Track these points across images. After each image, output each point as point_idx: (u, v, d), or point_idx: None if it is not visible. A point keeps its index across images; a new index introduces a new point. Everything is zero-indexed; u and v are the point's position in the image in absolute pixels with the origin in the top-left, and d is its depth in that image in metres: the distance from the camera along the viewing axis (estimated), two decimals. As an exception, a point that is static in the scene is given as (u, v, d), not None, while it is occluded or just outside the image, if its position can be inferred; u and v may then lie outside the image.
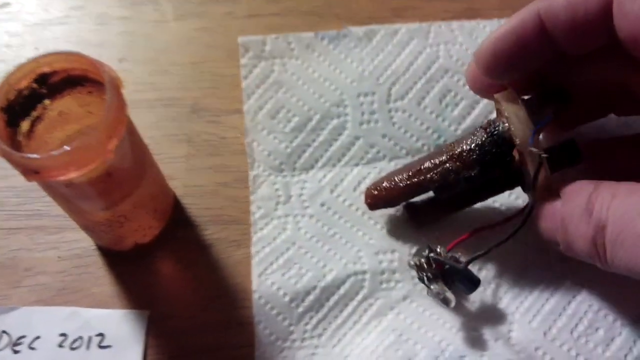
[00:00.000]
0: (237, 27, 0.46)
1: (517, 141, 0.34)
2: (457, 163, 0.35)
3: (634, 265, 0.29)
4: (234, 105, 0.43)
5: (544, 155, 0.32)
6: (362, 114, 0.42)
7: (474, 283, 0.36)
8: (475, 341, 0.36)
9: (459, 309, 0.37)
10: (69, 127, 0.35)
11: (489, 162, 0.35)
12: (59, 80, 0.32)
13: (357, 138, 0.41)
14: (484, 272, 0.38)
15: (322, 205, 0.40)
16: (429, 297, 0.38)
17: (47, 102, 0.33)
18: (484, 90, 0.37)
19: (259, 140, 0.41)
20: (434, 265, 0.36)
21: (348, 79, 0.42)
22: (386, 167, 0.40)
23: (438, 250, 0.36)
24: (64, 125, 0.35)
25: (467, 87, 0.41)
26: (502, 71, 0.34)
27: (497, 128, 0.35)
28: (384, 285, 0.38)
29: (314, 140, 0.41)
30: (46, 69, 0.32)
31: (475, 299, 0.37)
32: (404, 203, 0.39)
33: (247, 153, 0.41)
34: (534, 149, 0.32)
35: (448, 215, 0.39)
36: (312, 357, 0.37)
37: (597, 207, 0.29)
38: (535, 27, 0.32)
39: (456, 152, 0.36)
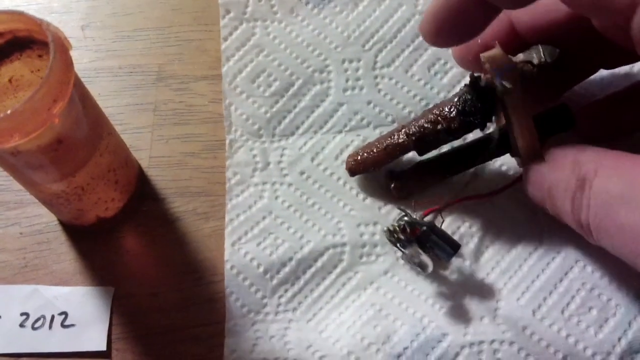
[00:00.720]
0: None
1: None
2: (437, 117, 0.34)
3: (620, 253, 0.28)
4: (202, 72, 0.41)
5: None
6: (347, 80, 0.40)
7: (452, 247, 0.34)
8: (459, 318, 0.34)
9: (443, 284, 0.35)
10: (22, 95, 0.33)
11: (468, 112, 0.33)
12: (5, 43, 0.31)
13: (340, 105, 0.39)
14: (471, 245, 0.36)
15: (302, 173, 0.38)
16: (412, 272, 0.35)
17: None
18: (472, 63, 0.35)
19: (237, 103, 0.39)
20: (408, 230, 0.34)
21: (332, 45, 0.40)
22: (370, 134, 0.38)
23: (414, 216, 0.34)
24: (15, 92, 0.33)
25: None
26: (452, 41, 0.32)
27: (479, 80, 0.33)
28: (364, 259, 0.36)
29: (295, 106, 0.39)
30: None
31: (460, 273, 0.35)
32: (388, 173, 0.37)
33: (225, 116, 0.39)
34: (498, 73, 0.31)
35: (434, 184, 0.37)
36: (286, 331, 0.35)
37: (580, 186, 0.28)
38: None
39: (435, 110, 0.34)
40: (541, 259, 0.35)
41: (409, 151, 0.35)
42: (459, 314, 0.34)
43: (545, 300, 0.35)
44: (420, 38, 0.41)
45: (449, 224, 0.36)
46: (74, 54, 0.29)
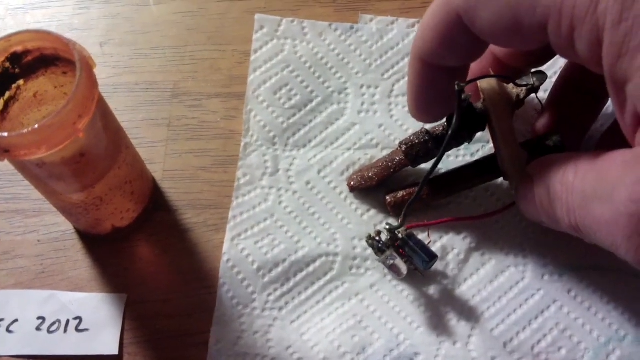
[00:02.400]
0: (218, 11, 0.46)
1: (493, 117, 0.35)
2: (427, 130, 0.37)
3: (605, 246, 0.28)
4: (215, 90, 0.43)
5: (462, 84, 0.32)
6: (362, 103, 0.42)
7: (429, 256, 0.35)
8: (433, 340, 0.36)
9: (424, 305, 0.37)
10: (45, 109, 0.35)
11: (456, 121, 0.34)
12: (32, 60, 0.32)
13: (353, 124, 0.42)
14: (462, 273, 0.37)
15: (307, 183, 0.40)
16: (397, 289, 0.37)
17: (21, 82, 0.33)
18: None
19: (257, 110, 0.42)
20: (387, 236, 0.36)
21: (354, 70, 0.43)
22: (378, 155, 0.40)
23: (398, 231, 0.36)
24: (39, 106, 0.34)
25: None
26: (441, 111, 0.35)
27: (466, 99, 0.34)
28: (354, 271, 0.38)
29: (311, 121, 0.42)
30: (18, 48, 0.31)
31: (442, 296, 0.37)
32: (385, 192, 0.39)
33: (244, 121, 0.42)
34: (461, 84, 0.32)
35: (431, 204, 0.38)
36: (269, 328, 0.37)
37: (564, 190, 0.29)
38: (425, 68, 0.33)
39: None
40: (521, 294, 0.37)
41: (403, 164, 0.38)
42: (434, 336, 0.36)
43: (517, 334, 0.36)
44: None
45: (437, 249, 0.38)
46: (92, 70, 0.30)
